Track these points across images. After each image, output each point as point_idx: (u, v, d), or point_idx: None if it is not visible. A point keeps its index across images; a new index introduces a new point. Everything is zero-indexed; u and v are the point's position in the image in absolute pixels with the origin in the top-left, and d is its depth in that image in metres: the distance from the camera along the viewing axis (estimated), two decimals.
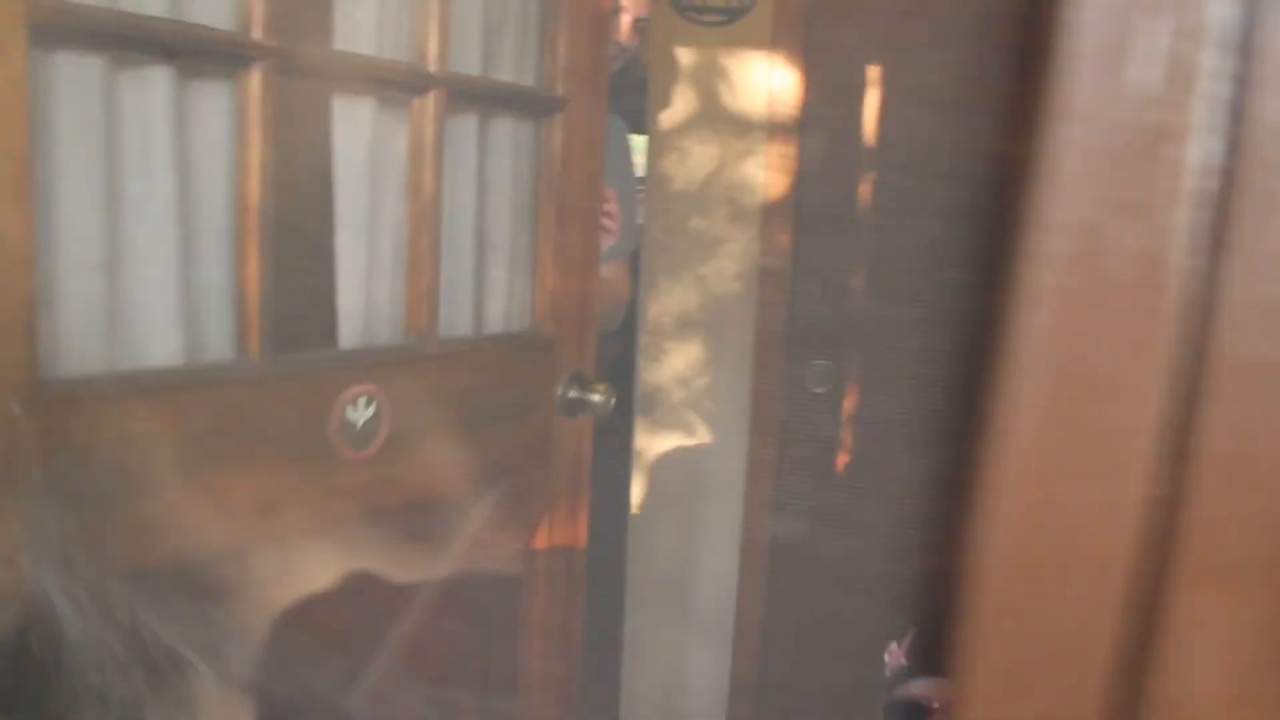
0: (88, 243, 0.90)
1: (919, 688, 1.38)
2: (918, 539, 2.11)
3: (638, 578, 2.54)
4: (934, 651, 1.39)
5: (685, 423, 2.26)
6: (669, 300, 2.14)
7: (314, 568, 1.14)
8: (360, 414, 1.14)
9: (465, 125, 1.28)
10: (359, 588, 1.20)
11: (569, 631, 1.52)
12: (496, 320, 1.37)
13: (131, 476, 0.92)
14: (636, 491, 2.43)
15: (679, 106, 2.16)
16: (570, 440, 1.46)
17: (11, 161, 0.77)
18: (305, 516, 1.11)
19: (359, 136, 1.16)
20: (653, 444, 2.36)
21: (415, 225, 1.19)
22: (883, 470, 2.08)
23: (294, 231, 1.09)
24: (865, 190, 2.13)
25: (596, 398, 1.42)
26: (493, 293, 1.37)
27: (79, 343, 0.91)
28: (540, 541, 1.45)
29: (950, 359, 2.03)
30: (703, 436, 2.17)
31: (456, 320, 1.29)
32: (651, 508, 2.41)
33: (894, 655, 1.42)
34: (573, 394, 1.42)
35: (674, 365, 2.14)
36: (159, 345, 0.97)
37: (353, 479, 1.14)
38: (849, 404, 2.07)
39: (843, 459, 2.08)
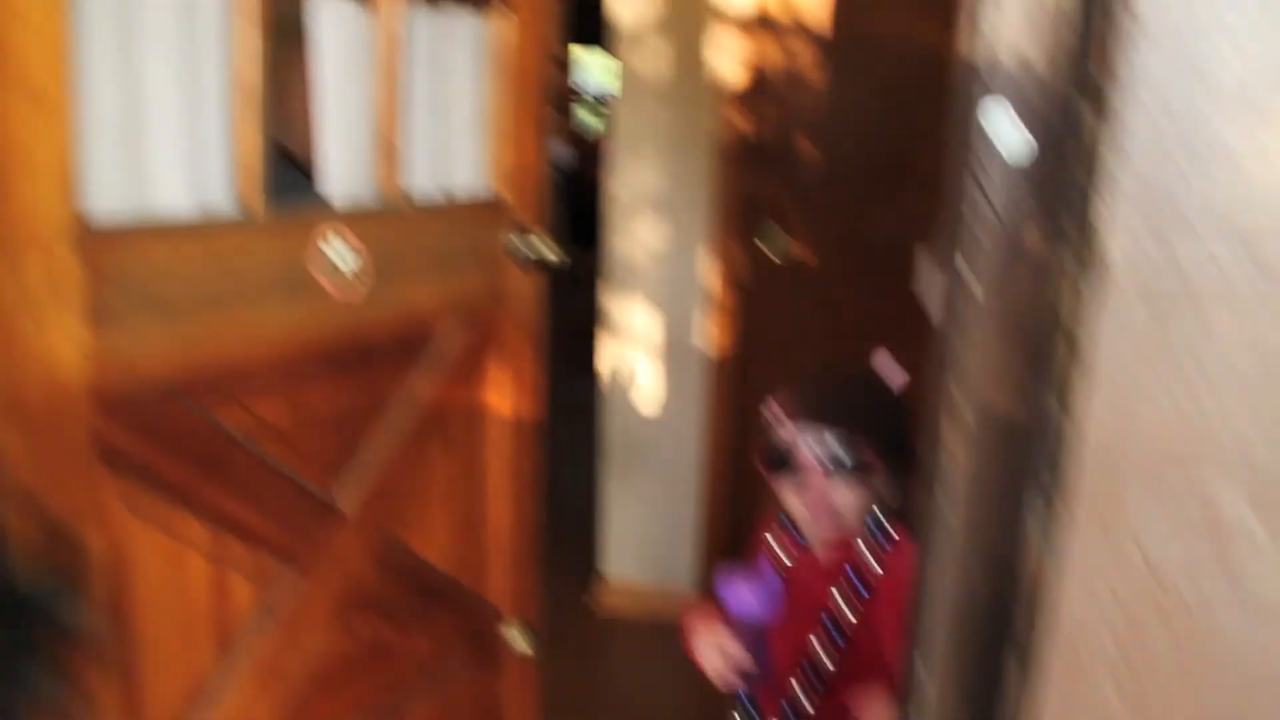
0: (112, 104, 1.15)
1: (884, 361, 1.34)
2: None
3: (613, 439, 2.83)
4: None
5: (650, 291, 2.50)
6: (634, 179, 2.36)
7: (304, 391, 1.41)
8: (343, 260, 1.40)
9: (425, 16, 1.51)
10: (342, 414, 1.47)
11: (524, 457, 1.81)
12: (458, 186, 1.62)
13: (158, 305, 1.18)
14: (607, 357, 2.70)
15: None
16: (522, 288, 1.72)
17: (51, 22, 1.01)
18: (302, 347, 1.38)
19: (335, 26, 1.40)
20: (619, 311, 2.61)
21: (384, 102, 1.43)
22: (837, 326, 2.32)
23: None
24: (822, 75, 2.33)
25: (544, 250, 1.68)
26: (455, 161, 1.62)
27: (106, 190, 1.16)
28: (499, 376, 1.72)
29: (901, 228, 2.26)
30: (665, 303, 2.42)
31: (424, 185, 1.55)
32: (622, 374, 2.67)
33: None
34: (523, 248, 1.68)
35: (640, 237, 2.38)
36: (171, 196, 1.23)
37: (341, 319, 1.41)
38: (805, 272, 2.31)
39: (801, 323, 2.31)
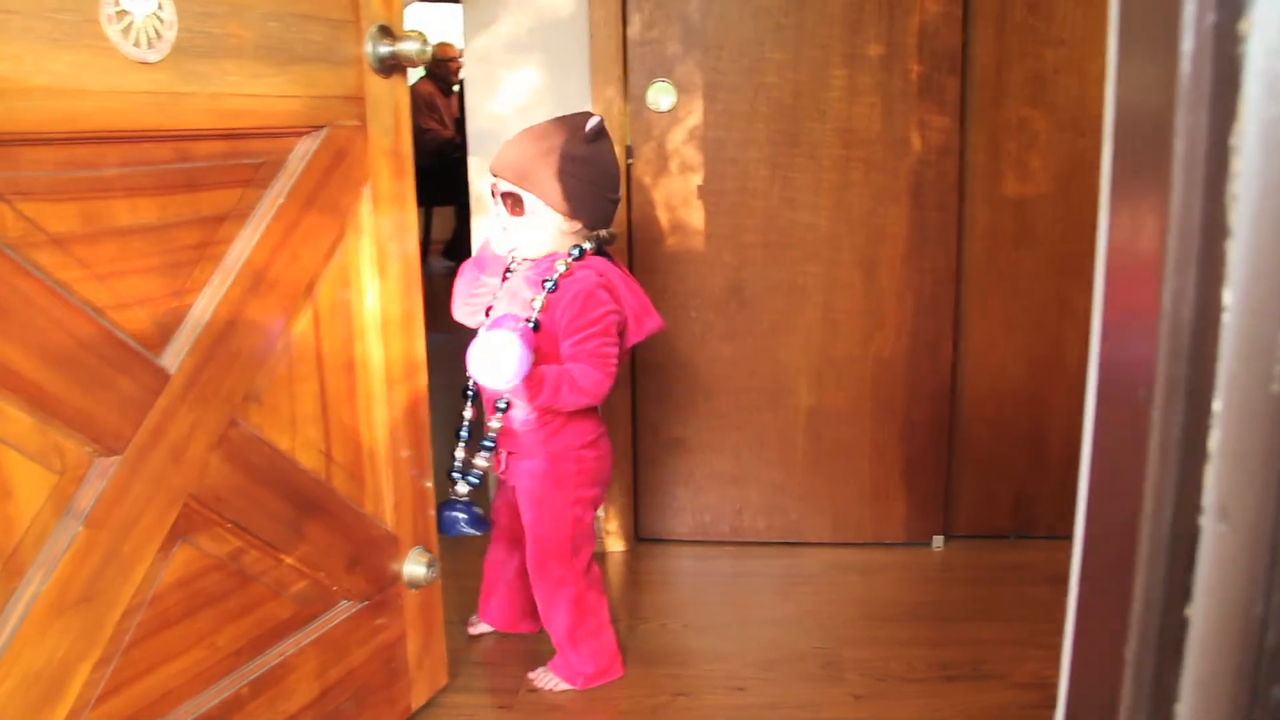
0: None
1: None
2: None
3: None
4: None
5: None
6: (497, 29, 2.01)
7: (105, 197, 1.00)
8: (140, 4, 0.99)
9: None
10: (159, 238, 1.07)
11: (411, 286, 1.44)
12: None
13: None
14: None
15: None
16: (386, 99, 1.36)
17: None
18: (92, 128, 0.97)
19: None
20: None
21: None
22: (729, 183, 2.05)
23: None
24: None
25: (409, 46, 1.32)
26: None
27: None
28: (366, 216, 1.35)
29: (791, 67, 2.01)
30: None
31: None
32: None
33: None
34: (384, 47, 1.31)
35: (508, 95, 2.02)
36: None
37: (140, 87, 1.01)
38: (695, 123, 2.01)
39: (692, 181, 2.03)
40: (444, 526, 1.59)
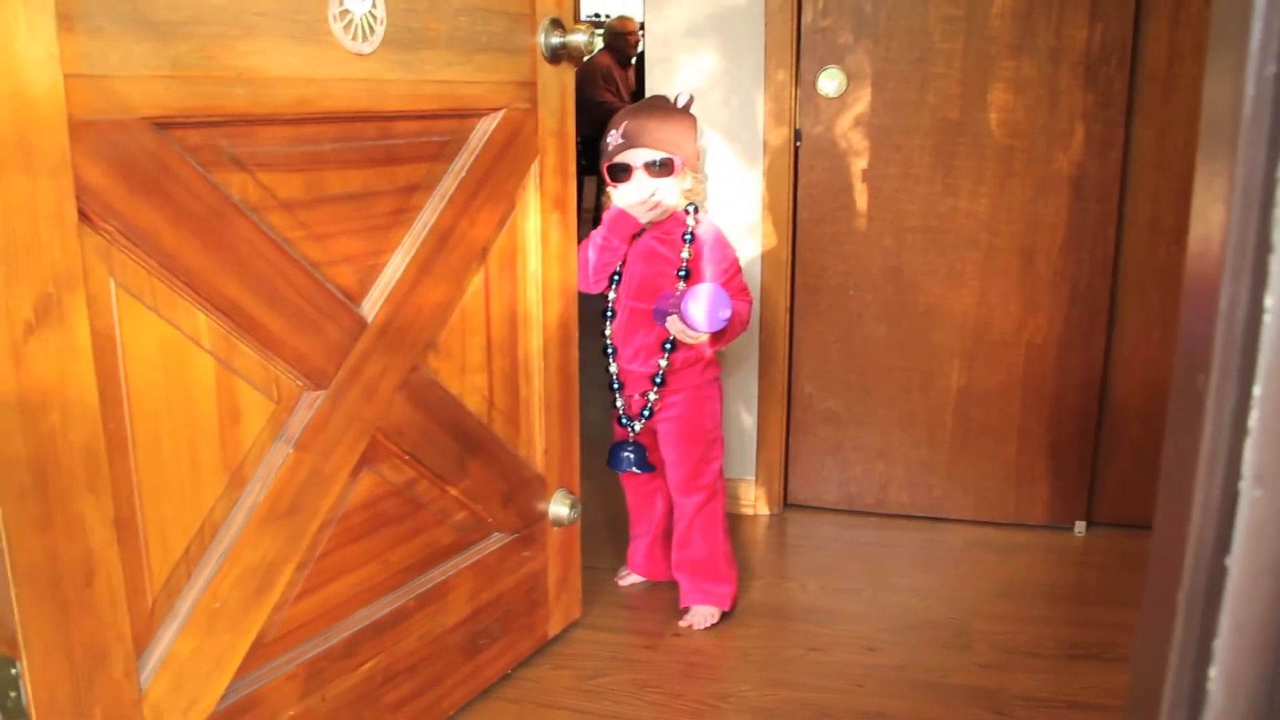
0: None
1: None
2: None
3: None
4: None
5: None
6: (675, 13, 2.12)
7: (320, 168, 1.17)
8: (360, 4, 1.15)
9: None
10: (363, 205, 1.23)
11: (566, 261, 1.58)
12: None
13: (143, 20, 0.94)
14: None
15: None
16: (555, 85, 1.49)
17: None
18: (315, 112, 1.14)
19: None
20: None
21: None
22: (892, 168, 2.12)
23: None
24: None
25: (578, 38, 1.45)
26: None
27: None
28: (535, 174, 1.49)
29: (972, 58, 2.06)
30: (717, 146, 2.18)
31: None
32: None
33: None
34: (555, 38, 1.45)
35: (685, 76, 2.14)
36: None
37: (357, 87, 1.17)
38: (862, 110, 2.09)
39: (856, 165, 2.10)
40: (615, 463, 1.78)
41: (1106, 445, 2.19)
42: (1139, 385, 2.15)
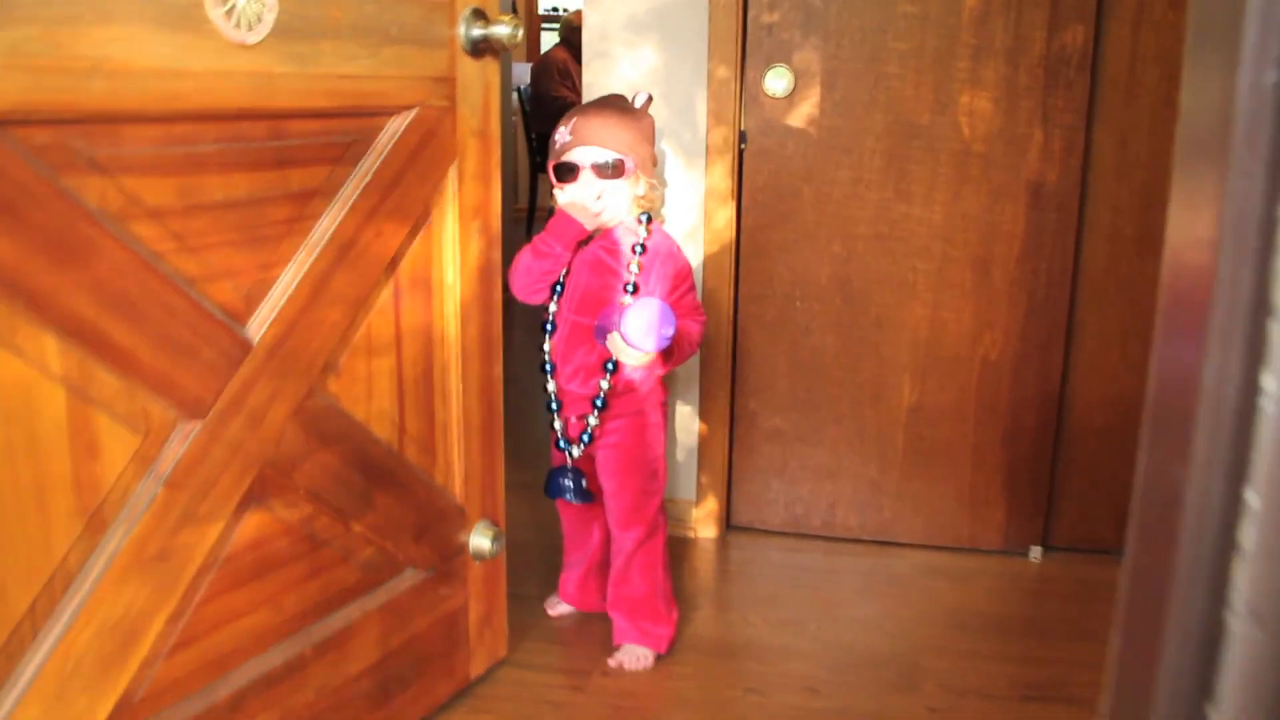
0: None
1: None
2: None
3: None
4: None
5: None
6: (614, 4, 2.00)
7: (199, 173, 1.04)
8: None
9: None
10: (250, 212, 1.11)
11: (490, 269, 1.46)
12: None
13: None
14: None
15: None
16: (477, 80, 1.37)
17: None
18: (191, 107, 1.01)
19: None
20: None
21: None
22: (842, 172, 2.02)
23: None
24: None
25: (501, 30, 1.33)
26: None
27: None
28: (452, 194, 1.37)
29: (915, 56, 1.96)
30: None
31: None
32: None
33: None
34: (476, 30, 1.33)
35: (624, 73, 2.02)
36: None
37: (240, 67, 1.04)
38: (810, 110, 1.98)
39: (804, 168, 1.99)
40: (552, 490, 1.67)
41: (1063, 466, 2.11)
42: (1098, 401, 2.07)
